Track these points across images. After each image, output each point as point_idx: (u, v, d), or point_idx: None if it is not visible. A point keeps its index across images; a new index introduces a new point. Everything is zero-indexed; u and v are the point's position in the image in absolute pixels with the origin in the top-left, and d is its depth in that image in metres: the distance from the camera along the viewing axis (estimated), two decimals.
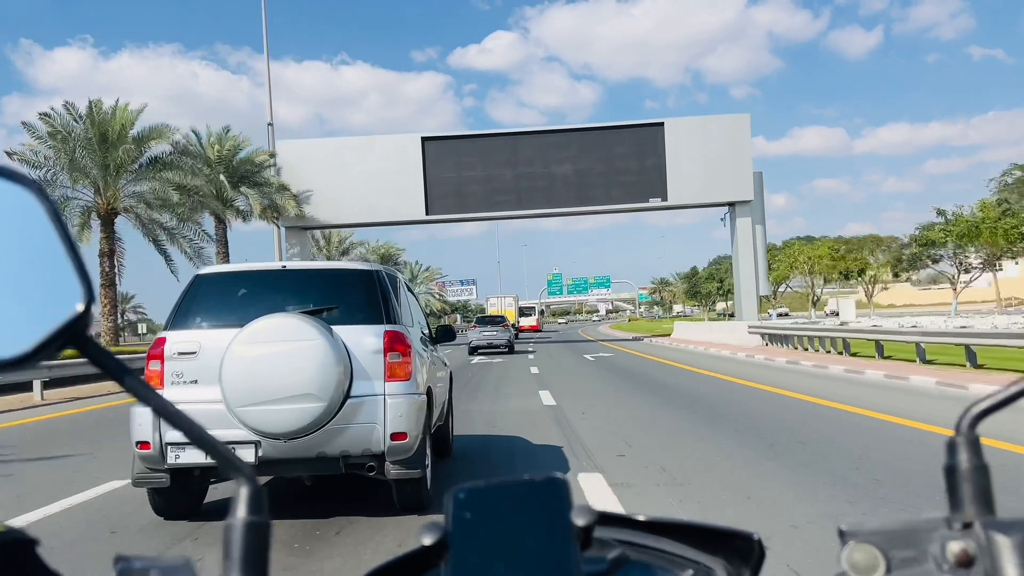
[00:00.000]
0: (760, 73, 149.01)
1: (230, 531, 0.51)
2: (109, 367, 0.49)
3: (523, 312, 62.12)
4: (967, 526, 0.56)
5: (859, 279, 63.23)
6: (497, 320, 30.14)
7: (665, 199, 30.80)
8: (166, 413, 0.51)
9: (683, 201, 31.35)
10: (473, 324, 30.60)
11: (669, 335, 37.29)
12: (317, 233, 44.92)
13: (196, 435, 0.52)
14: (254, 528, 0.51)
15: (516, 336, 50.51)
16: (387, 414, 4.55)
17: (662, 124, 31.04)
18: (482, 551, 0.53)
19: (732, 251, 32.37)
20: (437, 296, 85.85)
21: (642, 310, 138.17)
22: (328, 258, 48.30)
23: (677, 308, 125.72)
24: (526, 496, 0.55)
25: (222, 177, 27.26)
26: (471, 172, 30.72)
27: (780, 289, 71.83)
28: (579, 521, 0.53)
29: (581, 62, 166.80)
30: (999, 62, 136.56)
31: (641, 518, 0.64)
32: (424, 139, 31.09)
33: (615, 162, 30.75)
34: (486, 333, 28.46)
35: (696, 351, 25.69)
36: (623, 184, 30.73)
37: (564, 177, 30.65)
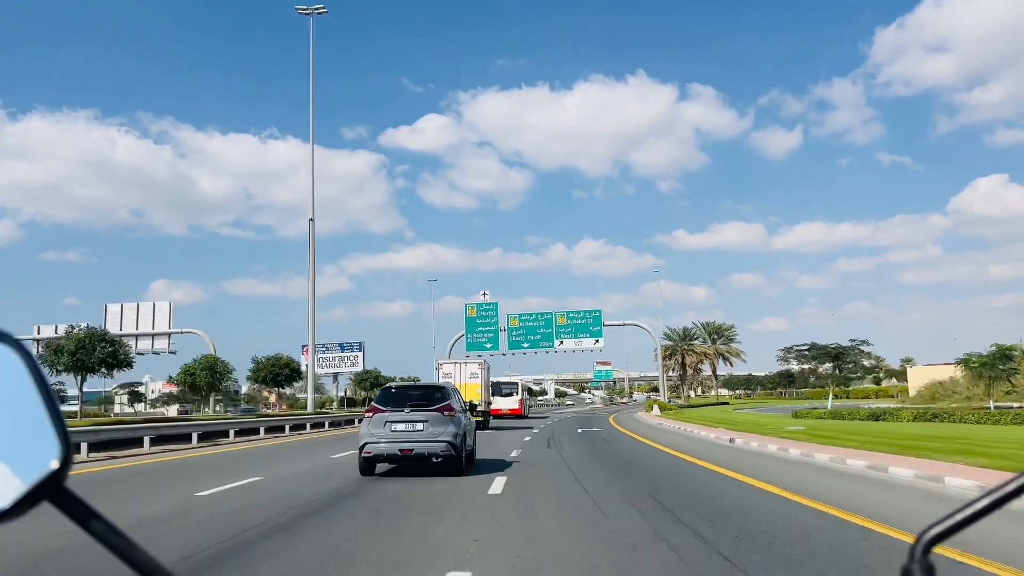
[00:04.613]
0: (686, 168, 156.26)
1: None
2: (83, 520, 0.50)
3: (498, 390, 42.72)
4: None
5: None
6: (428, 395, 13.21)
7: None
8: (131, 559, 0.51)
9: None
10: (370, 406, 13.31)
11: None
12: None
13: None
14: None
15: (485, 424, 30.14)
16: None
17: None
18: None
19: None
20: None
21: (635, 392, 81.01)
22: None
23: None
24: None
25: None
26: None
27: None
28: None
29: (513, 149, 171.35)
30: (907, 168, 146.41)
31: None
32: None
33: None
34: (398, 426, 12.38)
35: None
36: None
37: None
